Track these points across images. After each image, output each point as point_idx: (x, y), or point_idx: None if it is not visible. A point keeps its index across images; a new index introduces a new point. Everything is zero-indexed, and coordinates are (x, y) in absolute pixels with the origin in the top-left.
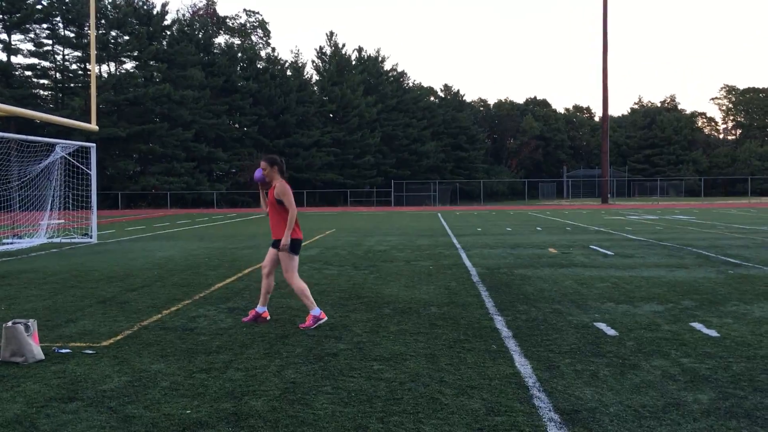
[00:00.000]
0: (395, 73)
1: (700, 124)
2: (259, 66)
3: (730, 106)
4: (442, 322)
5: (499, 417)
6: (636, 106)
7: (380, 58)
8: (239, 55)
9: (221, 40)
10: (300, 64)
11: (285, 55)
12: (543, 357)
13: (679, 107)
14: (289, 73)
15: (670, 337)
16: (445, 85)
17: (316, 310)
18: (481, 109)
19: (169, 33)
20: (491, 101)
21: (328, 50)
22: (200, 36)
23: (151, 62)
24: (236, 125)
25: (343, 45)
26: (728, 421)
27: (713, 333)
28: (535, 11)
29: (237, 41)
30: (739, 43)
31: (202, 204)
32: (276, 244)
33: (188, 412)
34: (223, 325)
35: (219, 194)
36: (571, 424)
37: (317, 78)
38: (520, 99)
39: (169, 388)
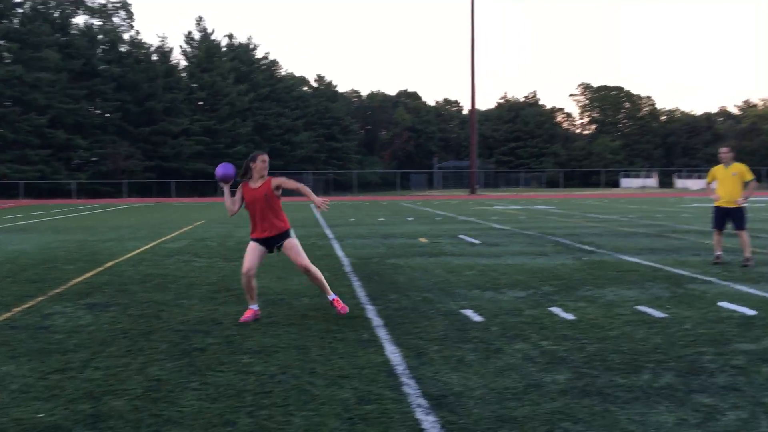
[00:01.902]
0: (267, 61)
1: (559, 119)
2: (122, 49)
3: (586, 102)
4: (313, 313)
5: (369, 405)
6: (502, 101)
7: (252, 46)
8: (100, 37)
9: (80, 20)
10: (167, 49)
11: (150, 39)
12: (413, 344)
13: (541, 103)
14: (155, 57)
15: (531, 321)
16: (319, 76)
17: (331, 296)
18: (355, 100)
19: (21, 11)
20: (364, 92)
21: (196, 35)
22: (56, 15)
23: (1, 42)
24: (97, 111)
25: (213, 31)
26: (582, 399)
27: (570, 316)
28: (407, 4)
29: (97, 22)
30: (594, 44)
31: (59, 194)
32: (275, 241)
33: (41, 415)
34: (81, 322)
35: (78, 184)
36: (438, 409)
37: (185, 64)
38: (392, 91)
39: (20, 391)
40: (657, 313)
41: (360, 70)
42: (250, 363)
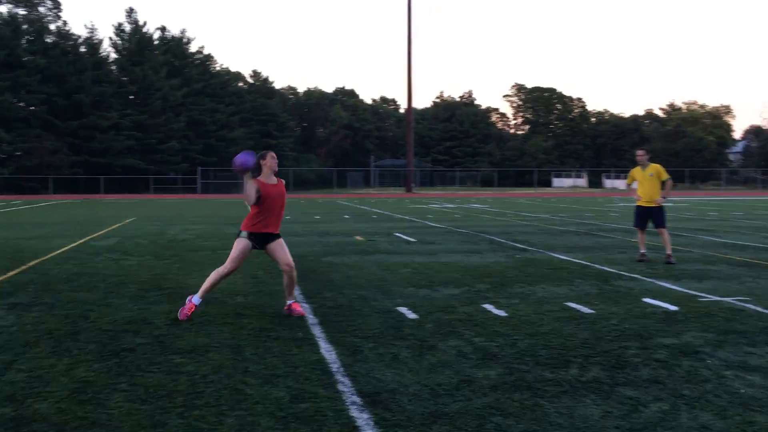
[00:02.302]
0: (201, 55)
1: (494, 119)
2: (48, 40)
3: (520, 103)
4: (248, 312)
5: (303, 404)
6: (438, 100)
7: (185, 40)
8: (25, 26)
9: (3, 9)
10: (96, 41)
11: (79, 30)
12: (348, 342)
13: (476, 102)
14: (83, 49)
15: (465, 318)
16: (254, 71)
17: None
18: (291, 96)
19: None
20: (301, 89)
21: (127, 28)
22: None
23: None
24: (21, 104)
25: (144, 23)
26: (513, 394)
27: (502, 313)
28: (344, 0)
29: (22, 11)
30: (527, 45)
31: None
32: (273, 238)
33: None
34: (3, 323)
35: (1, 179)
36: (372, 406)
37: (116, 57)
38: (329, 88)
39: None
40: (585, 309)
41: (297, 66)
42: (182, 363)
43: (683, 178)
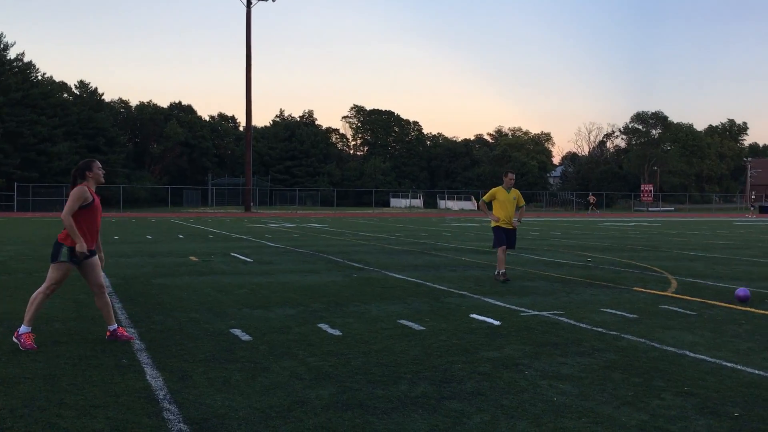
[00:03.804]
0: (21, 63)
1: (334, 139)
2: None
3: (359, 124)
4: (66, 339)
5: None
6: (278, 119)
7: (2, 45)
8: None
9: None
10: None
11: None
12: (176, 367)
13: (317, 123)
14: None
15: (299, 338)
16: (81, 82)
17: (114, 325)
18: (122, 110)
19: None
20: (133, 103)
21: None
22: None
23: None
24: None
25: None
26: (345, 412)
27: (337, 332)
28: (179, 12)
29: None
30: (366, 68)
31: None
32: (92, 254)
33: None
34: None
35: None
36: None
37: None
38: (164, 103)
39: None
40: (417, 326)
41: (128, 79)
42: None
43: None
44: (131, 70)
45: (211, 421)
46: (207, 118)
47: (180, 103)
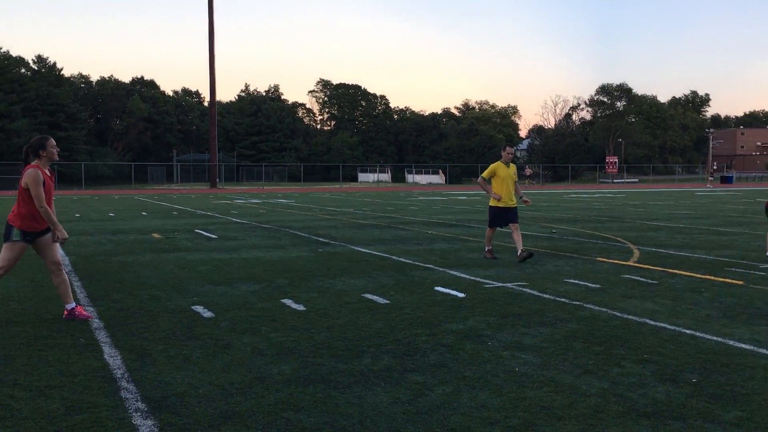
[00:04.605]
0: None
1: (300, 114)
2: None
3: (326, 99)
4: (22, 319)
5: (80, 415)
6: (243, 94)
7: None
8: None
9: None
10: None
11: None
12: (135, 346)
13: (283, 97)
14: None
15: (262, 314)
16: (39, 57)
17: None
18: (83, 85)
19: None
20: (94, 78)
21: None
22: None
23: None
24: None
25: None
26: (306, 387)
27: (300, 307)
28: None
29: None
30: (332, 42)
31: None
32: (46, 233)
33: None
34: None
35: None
36: (159, 412)
37: None
38: (126, 78)
39: None
40: (381, 300)
41: (88, 53)
42: None
43: (476, 173)
44: (91, 44)
45: (169, 399)
46: (171, 94)
47: (142, 78)
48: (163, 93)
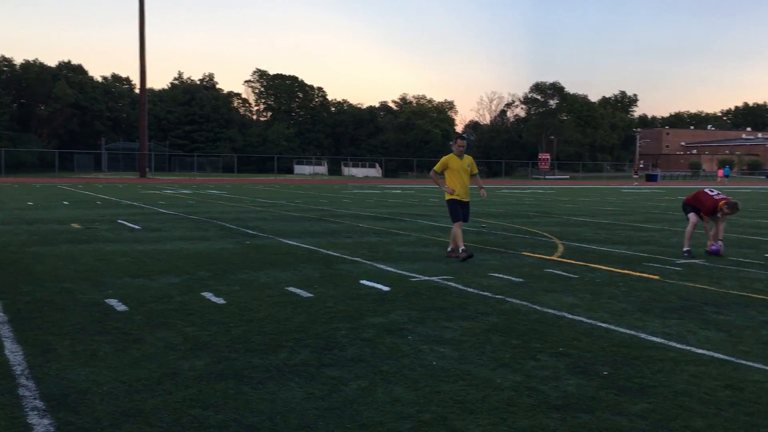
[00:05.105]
0: None
1: (236, 104)
2: None
3: (262, 89)
4: None
5: None
6: (176, 82)
7: None
8: None
9: None
10: None
11: None
12: (40, 341)
13: (218, 86)
14: None
15: (180, 307)
16: None
17: None
18: (5, 68)
19: None
20: (17, 61)
21: None
22: None
23: None
24: None
25: None
26: (218, 383)
27: (221, 300)
28: None
29: None
30: (269, 31)
31: None
32: None
33: None
34: None
35: None
36: (57, 410)
37: None
38: (51, 62)
39: None
40: (305, 293)
41: (10, 35)
42: None
43: (413, 167)
44: (14, 26)
45: (70, 397)
46: (99, 79)
47: (69, 62)
48: (91, 78)
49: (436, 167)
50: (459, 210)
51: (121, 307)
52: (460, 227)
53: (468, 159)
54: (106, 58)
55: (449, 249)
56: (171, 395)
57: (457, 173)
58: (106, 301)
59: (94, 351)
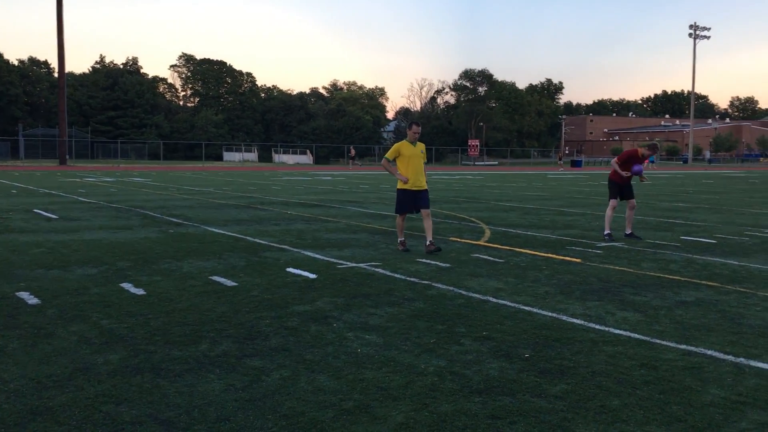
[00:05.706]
0: None
1: (161, 89)
2: None
3: (189, 74)
4: None
5: None
6: (98, 65)
7: None
8: None
9: None
10: None
11: None
12: None
13: (142, 71)
14: None
15: (97, 300)
16: None
17: None
18: None
19: None
20: None
21: None
22: None
23: None
24: None
25: None
26: (133, 377)
27: (140, 291)
28: None
29: None
30: (196, 14)
31: None
32: None
33: None
34: None
35: None
36: None
37: None
38: None
39: None
40: (229, 282)
41: None
42: None
43: (344, 154)
44: None
45: None
46: (15, 63)
47: None
48: (7, 62)
49: (388, 154)
50: (407, 202)
51: (32, 301)
52: (404, 219)
53: (420, 146)
54: (22, 40)
55: (399, 241)
56: (82, 391)
57: (410, 160)
58: (17, 294)
59: (2, 347)
